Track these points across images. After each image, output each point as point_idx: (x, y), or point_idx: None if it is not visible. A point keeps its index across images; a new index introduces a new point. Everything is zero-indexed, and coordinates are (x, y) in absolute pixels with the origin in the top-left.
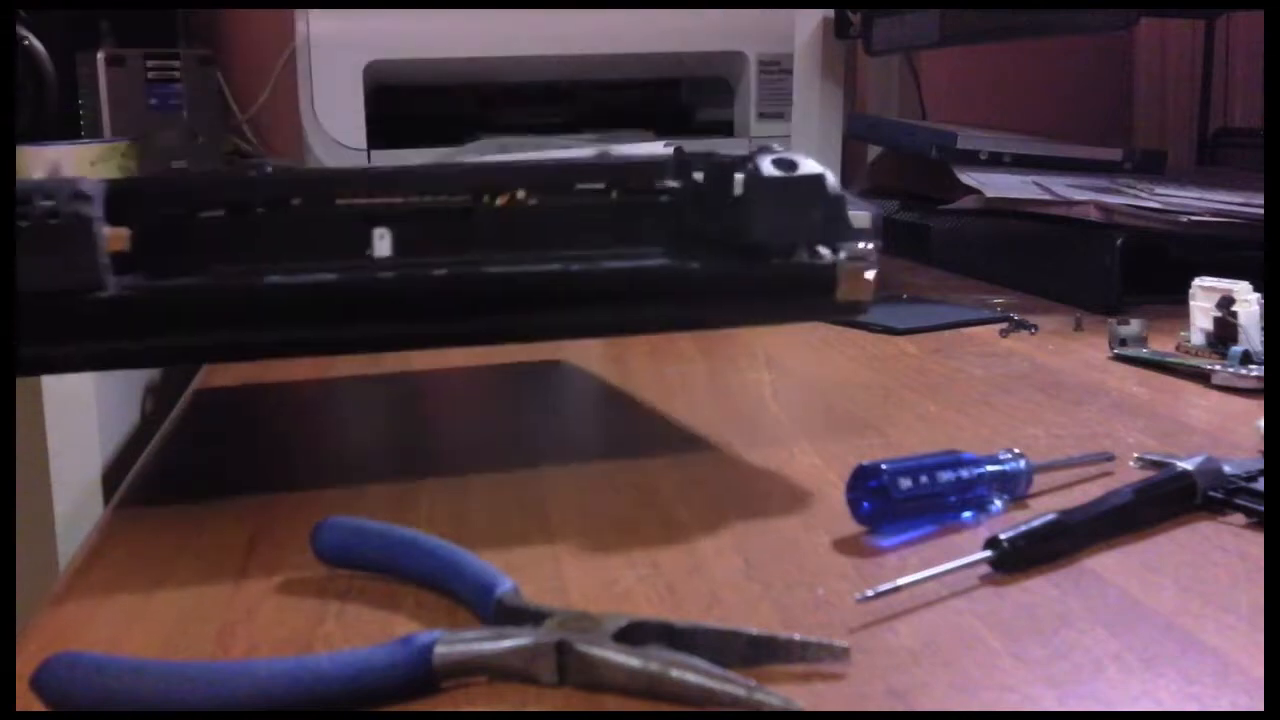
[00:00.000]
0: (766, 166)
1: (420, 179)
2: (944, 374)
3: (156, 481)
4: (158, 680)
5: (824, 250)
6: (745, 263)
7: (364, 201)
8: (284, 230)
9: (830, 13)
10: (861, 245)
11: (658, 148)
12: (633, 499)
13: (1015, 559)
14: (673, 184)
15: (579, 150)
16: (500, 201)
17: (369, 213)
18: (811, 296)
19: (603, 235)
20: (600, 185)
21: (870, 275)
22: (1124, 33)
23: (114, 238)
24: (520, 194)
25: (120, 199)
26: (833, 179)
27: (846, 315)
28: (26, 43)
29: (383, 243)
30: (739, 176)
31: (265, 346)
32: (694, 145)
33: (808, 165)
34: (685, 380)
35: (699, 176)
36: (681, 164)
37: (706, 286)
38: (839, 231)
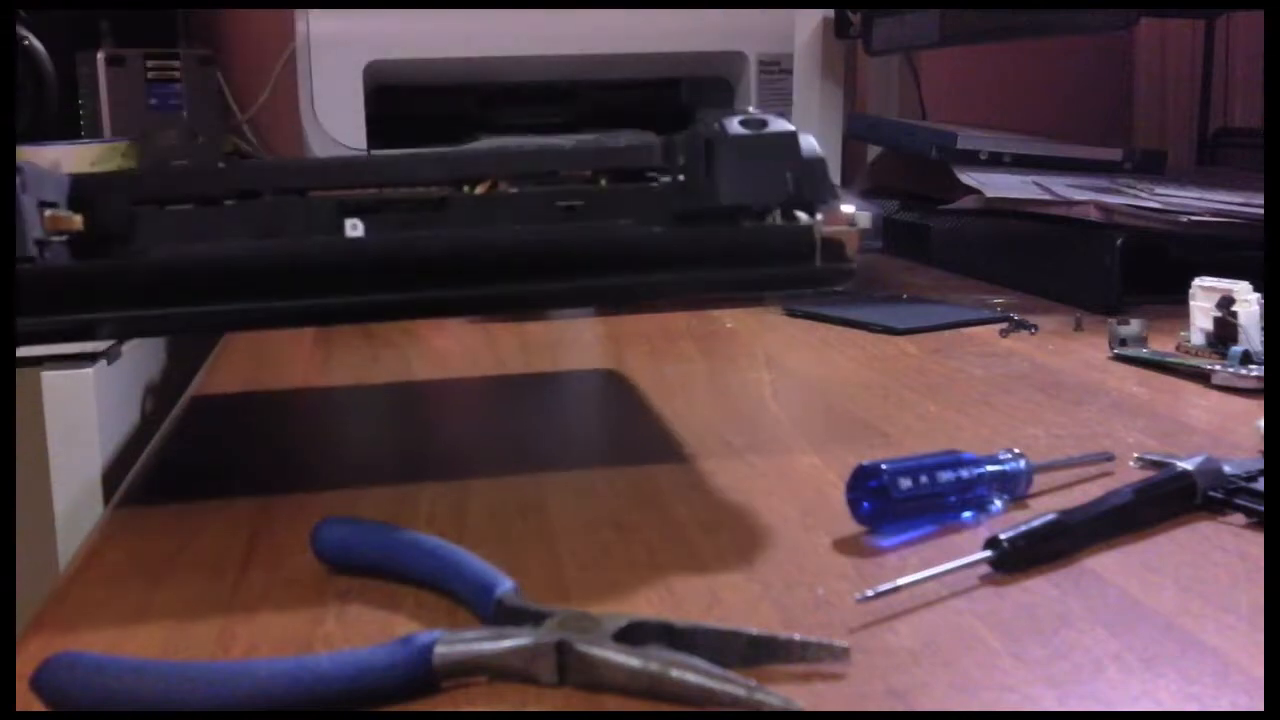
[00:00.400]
0: (733, 126)
1: (394, 169)
2: (944, 374)
3: (156, 482)
4: (158, 680)
5: (801, 214)
6: (713, 227)
7: (336, 193)
8: (253, 221)
9: (830, 13)
10: (844, 208)
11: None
12: (633, 499)
13: (1015, 559)
14: (656, 170)
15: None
16: (480, 190)
17: (341, 204)
18: (790, 262)
19: (584, 221)
20: (584, 172)
21: (854, 239)
22: (1124, 33)
23: (59, 218)
24: (501, 183)
25: (82, 187)
26: (809, 139)
27: (830, 284)
28: (26, 43)
29: (355, 233)
30: (707, 138)
31: (192, 318)
32: None
33: (778, 124)
34: (685, 380)
35: (682, 159)
36: (668, 149)
37: (674, 252)
38: (818, 194)
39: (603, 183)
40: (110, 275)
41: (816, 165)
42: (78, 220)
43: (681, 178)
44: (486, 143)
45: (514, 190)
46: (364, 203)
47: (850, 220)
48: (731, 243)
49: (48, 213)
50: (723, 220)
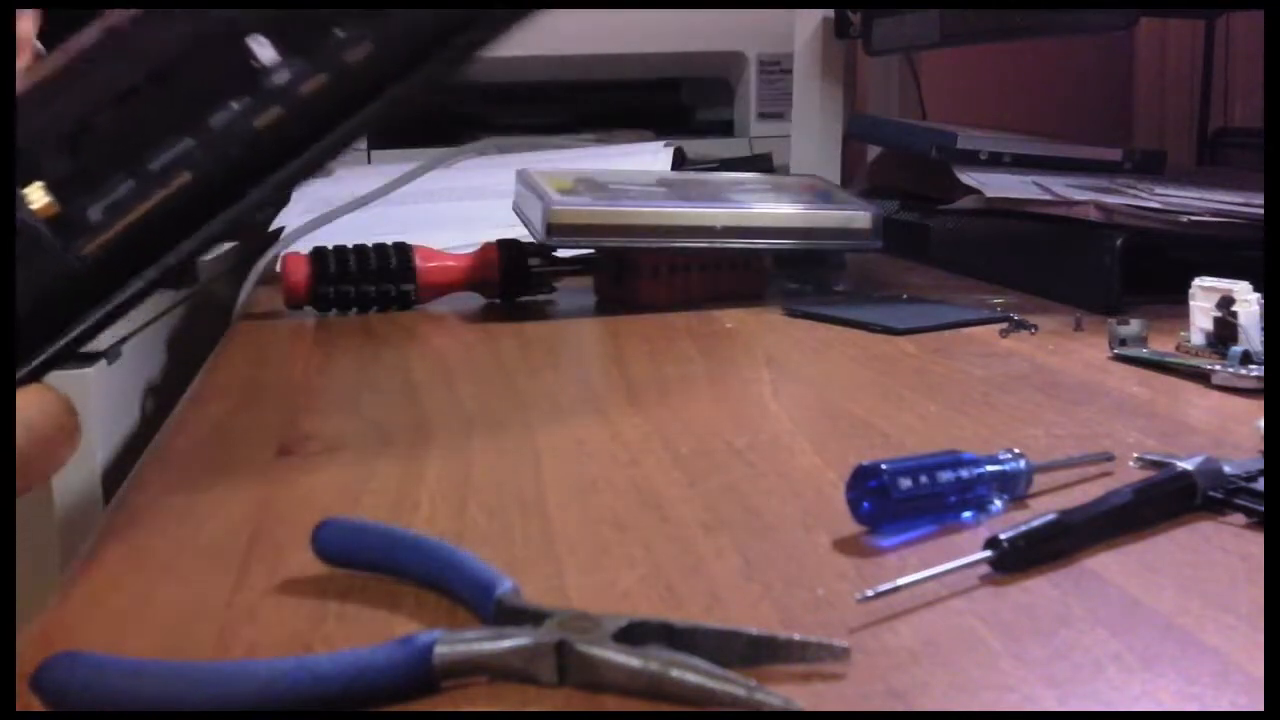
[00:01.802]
0: None
1: None
2: (944, 374)
3: (156, 481)
4: (158, 680)
5: None
6: None
7: (224, 19)
8: (173, 97)
9: (830, 13)
10: None
11: (658, 148)
12: (633, 499)
13: (1015, 559)
14: None
15: None
16: None
17: (232, 30)
18: None
19: None
20: None
21: None
22: (1124, 33)
23: (38, 202)
24: None
25: (22, 156)
26: None
27: None
28: None
29: (265, 50)
30: None
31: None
32: (694, 145)
33: None
34: (685, 380)
35: None
36: None
37: None
38: None
39: None
40: (144, 220)
41: None
42: (50, 203)
43: None
44: (486, 142)
45: None
46: (255, 19)
47: None
48: None
49: (35, 205)
50: None
